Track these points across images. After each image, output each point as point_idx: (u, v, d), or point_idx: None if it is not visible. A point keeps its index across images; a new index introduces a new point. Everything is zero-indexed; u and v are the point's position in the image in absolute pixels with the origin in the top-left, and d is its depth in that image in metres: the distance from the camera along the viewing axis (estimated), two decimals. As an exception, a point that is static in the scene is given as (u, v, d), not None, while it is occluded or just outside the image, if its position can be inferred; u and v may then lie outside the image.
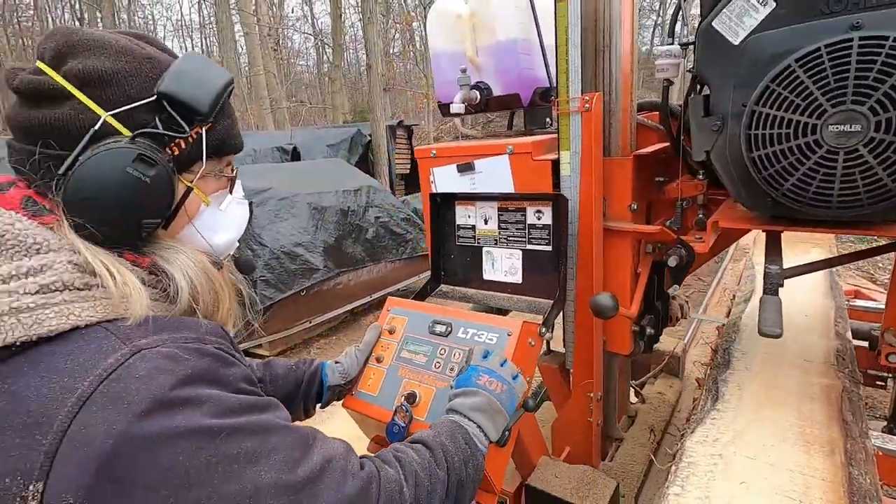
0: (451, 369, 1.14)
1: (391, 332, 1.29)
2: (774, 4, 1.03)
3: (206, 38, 27.90)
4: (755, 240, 3.03)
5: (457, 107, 1.65)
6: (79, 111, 0.68)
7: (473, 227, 1.51)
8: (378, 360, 1.25)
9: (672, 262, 1.40)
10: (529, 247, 1.42)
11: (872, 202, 0.98)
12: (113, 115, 0.69)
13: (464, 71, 1.67)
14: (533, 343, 1.19)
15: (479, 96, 1.69)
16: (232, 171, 0.88)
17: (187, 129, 0.74)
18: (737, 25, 1.08)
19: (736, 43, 1.09)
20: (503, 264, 1.47)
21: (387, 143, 9.25)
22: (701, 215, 1.42)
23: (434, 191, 1.69)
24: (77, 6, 22.21)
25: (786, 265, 1.22)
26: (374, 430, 1.20)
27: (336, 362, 1.23)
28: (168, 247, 0.76)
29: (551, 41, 1.53)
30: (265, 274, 4.22)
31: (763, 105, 1.02)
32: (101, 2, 15.97)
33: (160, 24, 30.53)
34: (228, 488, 0.61)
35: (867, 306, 2.39)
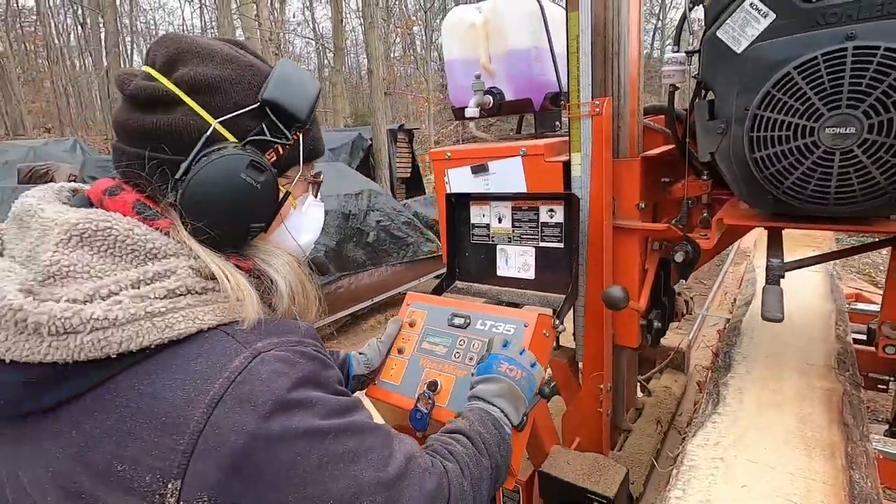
0: (471, 359, 1.18)
1: (412, 324, 1.33)
2: (775, 16, 1.10)
3: (207, 43, 27.94)
4: (756, 243, 3.04)
5: (471, 111, 1.71)
6: (190, 117, 0.69)
7: (488, 226, 1.57)
8: (399, 351, 1.29)
9: (679, 257, 1.45)
10: (542, 244, 1.47)
11: (867, 199, 1.06)
12: (220, 122, 0.70)
13: (478, 77, 1.72)
14: (547, 334, 1.23)
15: (492, 101, 1.75)
16: (318, 175, 0.90)
17: (289, 135, 0.76)
18: (739, 35, 1.15)
19: (739, 51, 1.15)
20: (517, 261, 1.53)
21: (388, 146, 9.19)
22: (705, 214, 1.48)
23: (449, 191, 1.74)
24: (79, 11, 22.32)
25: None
26: (396, 418, 1.25)
27: (360, 353, 1.27)
28: (267, 250, 0.78)
29: (561, 48, 1.60)
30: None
31: (764, 109, 1.10)
32: (103, 7, 16.04)
33: (162, 28, 30.62)
34: (337, 486, 0.64)
35: (868, 309, 2.36)
